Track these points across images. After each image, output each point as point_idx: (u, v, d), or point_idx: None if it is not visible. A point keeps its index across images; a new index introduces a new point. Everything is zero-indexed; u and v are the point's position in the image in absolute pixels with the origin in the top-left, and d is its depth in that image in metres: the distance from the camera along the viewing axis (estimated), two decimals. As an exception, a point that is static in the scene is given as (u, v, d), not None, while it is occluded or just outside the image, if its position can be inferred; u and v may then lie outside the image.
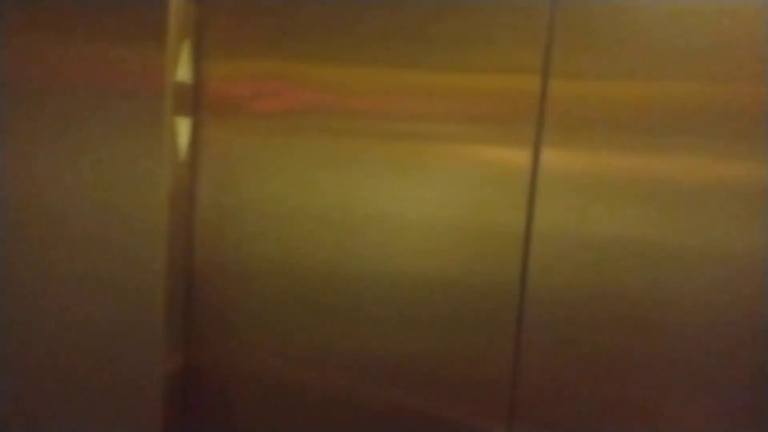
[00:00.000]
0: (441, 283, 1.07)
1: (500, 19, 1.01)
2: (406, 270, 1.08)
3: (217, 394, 1.18)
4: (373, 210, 1.08)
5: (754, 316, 0.98)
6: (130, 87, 1.05)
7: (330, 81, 1.07)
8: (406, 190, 1.07)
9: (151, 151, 1.05)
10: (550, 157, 1.02)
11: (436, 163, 1.05)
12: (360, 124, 1.07)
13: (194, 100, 1.11)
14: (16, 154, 1.10)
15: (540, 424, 1.07)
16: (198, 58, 1.10)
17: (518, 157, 1.03)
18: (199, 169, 1.13)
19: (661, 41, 0.97)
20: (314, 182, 1.10)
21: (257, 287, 1.14)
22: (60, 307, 1.11)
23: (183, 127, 1.09)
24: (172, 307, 1.11)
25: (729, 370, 1.00)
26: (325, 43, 1.06)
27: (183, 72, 1.07)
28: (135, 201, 1.07)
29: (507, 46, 1.01)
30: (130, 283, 1.09)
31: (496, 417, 1.09)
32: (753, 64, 0.94)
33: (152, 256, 1.07)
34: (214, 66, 1.10)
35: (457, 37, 1.02)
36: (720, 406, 1.01)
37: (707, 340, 1.00)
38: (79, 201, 1.09)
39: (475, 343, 1.08)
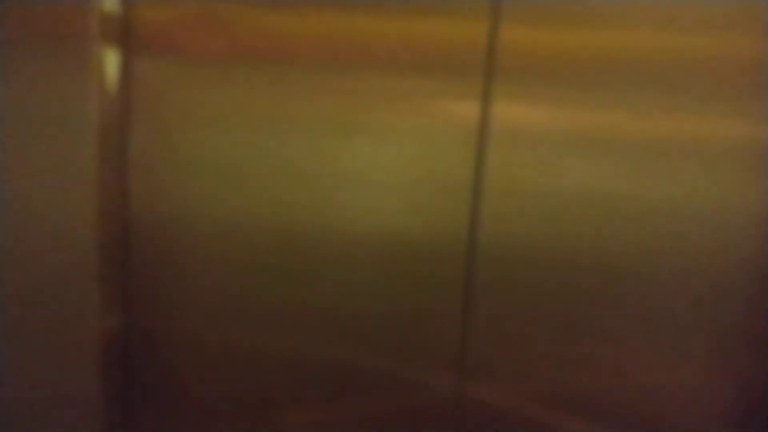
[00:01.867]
0: (389, 240, 1.05)
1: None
2: (353, 226, 1.05)
3: (160, 354, 1.14)
4: (312, 164, 1.04)
5: (713, 268, 0.99)
6: (50, 15, 0.96)
7: (273, 15, 1.00)
8: (352, 144, 1.02)
9: (77, 85, 0.98)
10: (501, 108, 0.98)
11: (382, 114, 1.01)
12: (297, 74, 1.01)
13: (124, 30, 1.02)
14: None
15: (490, 380, 1.08)
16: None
17: (467, 108, 0.99)
18: (132, 107, 1.05)
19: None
20: (258, 125, 1.04)
21: (199, 242, 1.09)
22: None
23: (111, 60, 1.01)
24: (105, 262, 1.05)
25: (688, 324, 1.01)
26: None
27: (110, -1, 0.98)
28: (61, 141, 0.99)
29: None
30: (58, 236, 1.02)
31: (445, 373, 1.09)
32: (725, 12, 0.91)
33: (82, 203, 1.01)
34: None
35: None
36: (678, 360, 1.02)
37: (664, 293, 1.00)
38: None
39: (423, 300, 1.06)
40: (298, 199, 1.06)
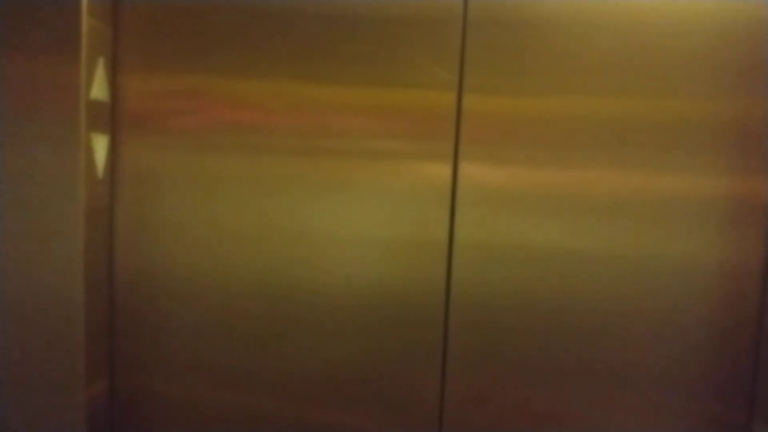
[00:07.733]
0: (369, 296, 1.09)
1: (415, 35, 1.03)
2: (332, 285, 1.09)
3: (144, 420, 1.15)
4: (295, 226, 1.09)
5: (672, 318, 1.03)
6: (44, 105, 1.02)
7: (248, 97, 1.07)
8: (330, 206, 1.08)
9: (67, 169, 1.02)
10: (468, 170, 1.05)
11: (360, 178, 1.07)
12: (279, 141, 1.08)
13: (111, 118, 1.09)
14: None
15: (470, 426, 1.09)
16: (114, 75, 1.08)
17: (438, 171, 1.06)
18: (118, 187, 1.11)
19: (573, 55, 1.01)
20: (235, 199, 1.09)
21: (181, 308, 1.12)
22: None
23: (100, 145, 1.07)
24: (92, 330, 1.08)
25: (649, 370, 1.04)
26: (243, 59, 1.07)
27: (98, 89, 1.05)
28: (51, 221, 1.03)
29: (423, 62, 1.03)
30: (47, 307, 1.05)
31: (425, 427, 1.10)
32: (668, 76, 0.99)
33: (70, 277, 1.04)
34: (130, 82, 1.08)
35: (376, 53, 1.04)
36: (640, 406, 1.05)
37: (626, 343, 1.04)
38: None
39: (403, 354, 1.09)
40: (280, 260, 1.10)
